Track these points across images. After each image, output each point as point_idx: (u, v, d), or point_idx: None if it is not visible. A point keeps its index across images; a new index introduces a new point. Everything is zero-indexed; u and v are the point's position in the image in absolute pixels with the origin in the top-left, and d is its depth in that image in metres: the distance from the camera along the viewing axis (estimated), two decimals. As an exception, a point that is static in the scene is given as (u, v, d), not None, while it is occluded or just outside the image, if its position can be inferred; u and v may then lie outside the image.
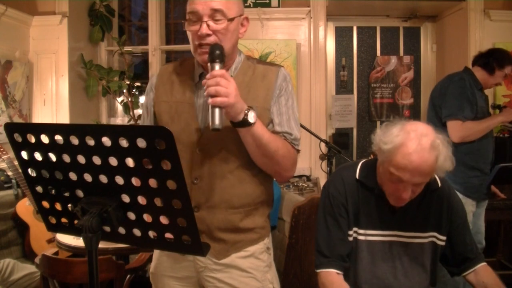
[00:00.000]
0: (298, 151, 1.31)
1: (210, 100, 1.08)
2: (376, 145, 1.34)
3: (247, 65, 1.32)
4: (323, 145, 2.61)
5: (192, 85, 1.31)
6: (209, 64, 1.14)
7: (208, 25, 1.18)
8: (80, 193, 0.99)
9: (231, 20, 1.20)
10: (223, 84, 1.08)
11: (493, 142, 2.58)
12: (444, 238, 1.44)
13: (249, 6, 3.52)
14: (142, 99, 3.71)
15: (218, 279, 1.31)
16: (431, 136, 1.24)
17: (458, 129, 2.39)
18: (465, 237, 1.45)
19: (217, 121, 1.08)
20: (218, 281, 1.31)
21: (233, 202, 1.28)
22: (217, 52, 1.14)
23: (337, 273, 1.42)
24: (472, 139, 2.42)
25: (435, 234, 1.43)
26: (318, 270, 1.46)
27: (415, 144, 1.22)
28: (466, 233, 1.46)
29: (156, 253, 1.43)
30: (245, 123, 1.14)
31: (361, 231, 1.44)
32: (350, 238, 1.45)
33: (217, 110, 1.08)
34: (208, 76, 1.11)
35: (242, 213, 1.30)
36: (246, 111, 1.13)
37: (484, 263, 1.43)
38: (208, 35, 1.18)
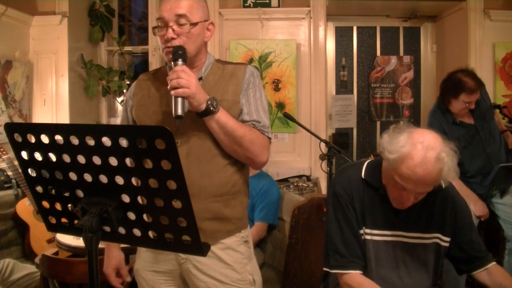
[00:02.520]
0: (269, 138, 1.40)
1: (172, 91, 1.21)
2: (382, 149, 1.34)
3: (216, 66, 1.44)
4: (323, 145, 2.61)
5: (166, 87, 1.40)
6: (172, 63, 1.27)
7: (173, 30, 1.31)
8: (80, 193, 0.99)
9: (194, 24, 1.32)
10: (183, 76, 1.21)
11: (487, 158, 2.58)
12: (447, 239, 1.44)
13: (249, 6, 3.52)
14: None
15: (199, 270, 1.36)
16: (438, 149, 1.23)
17: None
18: (472, 236, 1.45)
19: (179, 110, 1.20)
20: (199, 273, 1.36)
21: (212, 190, 1.35)
22: (179, 52, 1.28)
23: (359, 273, 1.42)
24: None
25: (439, 235, 1.44)
26: (337, 271, 1.45)
27: (420, 157, 1.21)
28: (472, 232, 1.46)
29: (139, 249, 1.49)
30: (208, 111, 1.25)
31: (367, 231, 1.45)
32: (363, 237, 1.45)
33: (179, 100, 1.21)
34: (170, 72, 1.25)
35: (220, 202, 1.37)
36: (208, 101, 1.25)
37: (494, 262, 1.44)
38: (173, 38, 1.31)
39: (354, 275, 1.42)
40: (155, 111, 1.39)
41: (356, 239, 1.44)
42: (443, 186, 1.43)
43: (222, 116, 1.28)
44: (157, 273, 1.42)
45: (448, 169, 1.23)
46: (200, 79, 1.39)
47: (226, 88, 1.37)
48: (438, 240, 1.44)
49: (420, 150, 1.22)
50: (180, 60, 1.26)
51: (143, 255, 1.45)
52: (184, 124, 1.34)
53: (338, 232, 1.45)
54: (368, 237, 1.45)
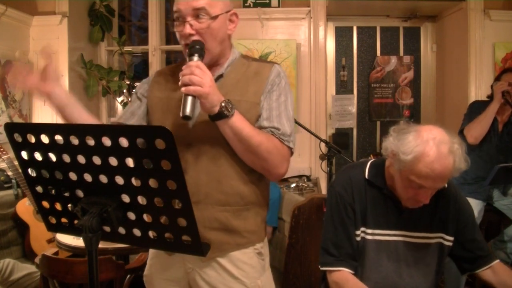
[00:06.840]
0: (290, 148, 1.27)
1: (183, 88, 1.09)
2: (390, 152, 1.34)
3: (241, 62, 1.32)
4: (323, 145, 2.61)
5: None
6: (187, 58, 1.16)
7: (191, 25, 1.19)
8: (80, 193, 0.99)
9: (214, 18, 1.20)
10: (197, 73, 1.09)
11: (498, 152, 2.63)
12: (451, 238, 1.44)
13: (249, 6, 3.52)
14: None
15: (206, 282, 1.28)
16: (448, 142, 1.25)
17: (466, 132, 2.59)
18: (475, 235, 1.46)
19: (187, 109, 1.09)
20: (206, 284, 1.28)
21: (220, 198, 1.24)
22: (197, 46, 1.16)
23: (350, 272, 1.42)
24: (484, 131, 2.56)
25: (442, 235, 1.44)
26: (326, 268, 1.46)
27: (435, 153, 1.23)
28: (475, 231, 1.47)
29: (150, 254, 1.42)
30: (221, 115, 1.13)
31: (369, 231, 1.45)
32: (358, 238, 1.45)
33: (189, 99, 1.09)
34: (183, 67, 1.12)
35: (230, 212, 1.25)
36: (222, 104, 1.12)
37: (498, 260, 1.44)
38: (191, 34, 1.19)
39: (342, 272, 1.42)
40: (169, 105, 1.30)
41: (349, 241, 1.44)
42: (445, 186, 1.44)
43: (237, 121, 1.15)
44: (167, 281, 1.34)
45: (459, 159, 1.26)
46: (221, 76, 1.27)
47: (247, 87, 1.25)
48: (441, 240, 1.44)
49: (433, 146, 1.23)
50: (196, 55, 1.15)
51: (152, 261, 1.38)
52: (197, 126, 1.24)
53: (332, 232, 1.46)
54: (369, 237, 1.44)
